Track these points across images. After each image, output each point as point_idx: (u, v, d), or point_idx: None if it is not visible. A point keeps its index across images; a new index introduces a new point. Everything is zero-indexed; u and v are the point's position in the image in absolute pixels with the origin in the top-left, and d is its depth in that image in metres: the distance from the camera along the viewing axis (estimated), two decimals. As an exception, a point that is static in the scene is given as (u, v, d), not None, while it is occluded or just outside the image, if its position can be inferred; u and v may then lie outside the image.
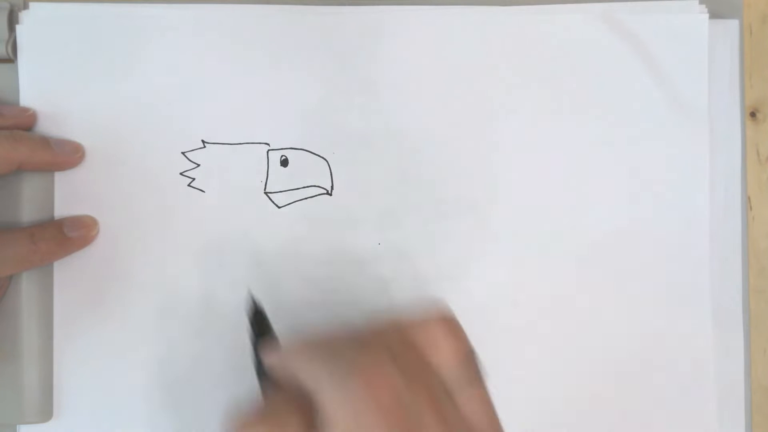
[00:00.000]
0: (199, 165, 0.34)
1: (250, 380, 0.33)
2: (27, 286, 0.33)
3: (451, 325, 0.26)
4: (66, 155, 0.33)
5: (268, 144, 0.34)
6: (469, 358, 0.25)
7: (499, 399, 0.34)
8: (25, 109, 0.33)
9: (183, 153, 0.34)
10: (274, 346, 0.27)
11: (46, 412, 0.33)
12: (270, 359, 0.26)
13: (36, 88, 0.34)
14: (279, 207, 0.34)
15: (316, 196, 0.34)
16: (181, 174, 0.34)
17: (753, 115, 0.36)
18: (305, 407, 0.23)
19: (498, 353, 0.34)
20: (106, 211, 0.34)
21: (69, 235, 0.32)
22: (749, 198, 0.35)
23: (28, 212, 0.33)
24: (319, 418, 0.22)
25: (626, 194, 0.34)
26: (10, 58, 0.34)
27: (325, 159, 0.34)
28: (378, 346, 0.24)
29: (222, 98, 0.34)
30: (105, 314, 0.33)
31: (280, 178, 0.34)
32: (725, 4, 0.35)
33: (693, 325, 0.34)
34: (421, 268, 0.34)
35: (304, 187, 0.34)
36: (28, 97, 0.34)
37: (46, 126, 0.34)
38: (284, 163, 0.34)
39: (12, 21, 0.34)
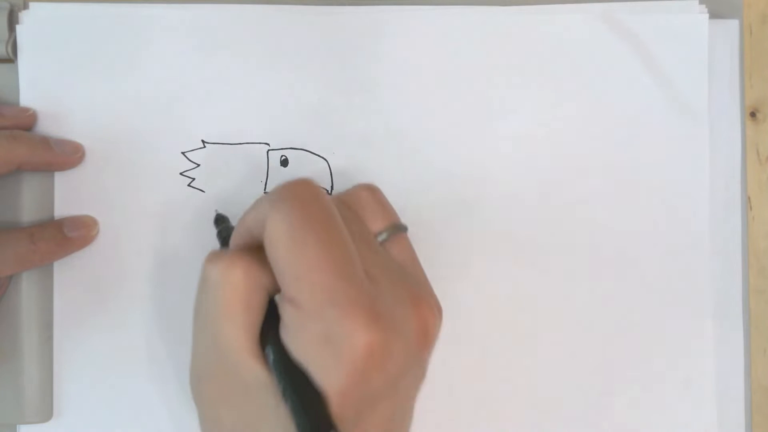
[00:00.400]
0: (199, 165, 0.34)
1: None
2: (27, 286, 0.33)
3: (369, 186, 0.30)
4: (66, 155, 0.33)
5: (268, 144, 0.34)
6: (385, 211, 0.29)
7: (499, 398, 0.34)
8: (25, 109, 0.33)
9: (183, 153, 0.34)
10: None
11: (45, 412, 0.33)
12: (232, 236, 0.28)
13: (36, 88, 0.34)
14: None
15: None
16: (181, 174, 0.34)
17: (753, 115, 0.36)
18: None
19: (498, 353, 0.34)
20: (106, 211, 0.34)
21: (69, 235, 0.32)
22: (749, 198, 0.35)
23: (27, 212, 0.33)
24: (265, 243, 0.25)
25: (626, 194, 0.34)
26: (10, 58, 0.34)
27: (325, 159, 0.34)
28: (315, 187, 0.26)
29: (222, 98, 0.34)
30: (105, 314, 0.33)
31: (280, 178, 0.34)
32: (725, 4, 0.35)
33: (693, 325, 0.34)
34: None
35: (304, 187, 0.34)
36: (28, 97, 0.34)
37: (46, 126, 0.34)
38: (284, 163, 0.34)
39: (12, 21, 0.34)
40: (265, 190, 0.34)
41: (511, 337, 0.34)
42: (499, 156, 0.34)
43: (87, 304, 0.33)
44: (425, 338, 0.26)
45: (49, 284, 0.33)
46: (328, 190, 0.34)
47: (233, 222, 0.32)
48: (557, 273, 0.34)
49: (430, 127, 0.34)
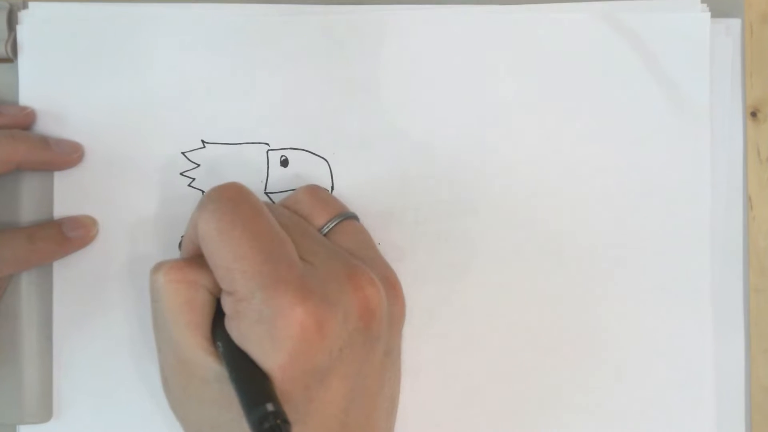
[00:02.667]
0: (199, 165, 0.34)
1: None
2: (26, 287, 0.33)
3: (309, 187, 0.32)
4: (65, 155, 0.33)
5: (267, 144, 0.34)
6: (327, 205, 0.31)
7: (498, 397, 0.34)
8: (24, 108, 0.33)
9: (183, 153, 0.34)
10: None
11: (45, 413, 0.33)
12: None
13: (35, 87, 0.34)
14: (278, 207, 0.34)
15: (316, 196, 0.34)
16: (181, 174, 0.34)
17: (754, 114, 0.36)
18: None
19: (497, 352, 0.34)
20: (105, 211, 0.34)
21: (68, 235, 0.32)
22: (750, 198, 0.35)
23: (26, 212, 0.33)
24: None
25: (627, 194, 0.34)
26: (10, 58, 0.33)
27: (325, 159, 0.34)
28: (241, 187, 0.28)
29: (222, 98, 0.34)
30: (104, 314, 0.33)
31: (280, 178, 0.34)
32: (726, 4, 0.35)
33: (693, 325, 0.34)
34: (420, 268, 0.34)
35: (304, 187, 0.34)
36: (27, 97, 0.34)
37: (45, 125, 0.34)
38: (284, 163, 0.34)
39: (12, 21, 0.34)
40: (265, 190, 0.34)
41: (510, 337, 0.34)
42: (500, 156, 0.34)
43: (86, 304, 0.33)
44: (366, 310, 0.27)
45: (49, 284, 0.33)
46: (328, 191, 0.34)
47: None
48: (557, 272, 0.34)
49: (430, 127, 0.34)
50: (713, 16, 0.34)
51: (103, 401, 0.33)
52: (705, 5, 0.34)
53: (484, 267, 0.34)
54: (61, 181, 0.33)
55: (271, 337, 0.25)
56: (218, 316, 0.27)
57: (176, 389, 0.28)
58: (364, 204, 0.34)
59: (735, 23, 0.35)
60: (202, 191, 0.34)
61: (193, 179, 0.34)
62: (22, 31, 0.34)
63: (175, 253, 0.33)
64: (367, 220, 0.33)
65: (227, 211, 0.26)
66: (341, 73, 0.34)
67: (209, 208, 0.26)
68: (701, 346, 0.34)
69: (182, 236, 0.33)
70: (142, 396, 0.33)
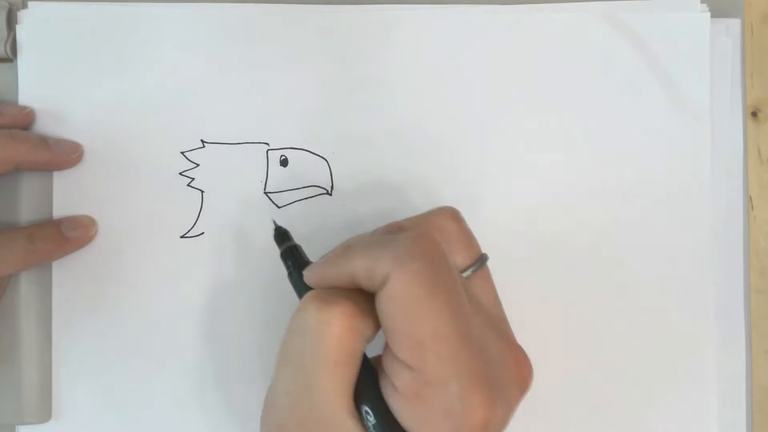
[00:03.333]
0: (198, 165, 0.34)
1: (251, 379, 0.33)
2: (26, 286, 0.33)
3: (453, 213, 0.28)
4: (64, 155, 0.33)
5: (267, 144, 0.34)
6: (470, 242, 0.27)
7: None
8: (23, 108, 0.33)
9: (182, 153, 0.34)
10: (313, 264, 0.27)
11: (44, 413, 0.33)
12: (315, 269, 0.27)
13: (35, 87, 0.34)
14: (279, 207, 0.34)
15: (316, 196, 0.34)
16: (180, 174, 0.34)
17: (754, 114, 0.36)
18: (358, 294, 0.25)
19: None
20: (104, 211, 0.33)
21: (67, 235, 0.32)
22: (750, 198, 0.35)
23: (26, 212, 0.33)
24: (378, 283, 0.24)
25: (627, 194, 0.34)
26: (9, 58, 0.33)
27: (325, 159, 0.34)
28: (441, 246, 0.25)
29: (222, 98, 0.34)
30: (104, 314, 0.33)
31: (280, 178, 0.34)
32: (726, 4, 0.35)
33: (694, 325, 0.34)
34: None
35: (303, 187, 0.34)
36: (27, 97, 0.34)
37: (44, 125, 0.34)
38: (284, 162, 0.34)
39: (11, 20, 0.34)
40: (264, 189, 0.34)
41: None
42: (500, 155, 0.34)
43: (86, 304, 0.33)
44: (523, 388, 0.26)
45: (48, 284, 0.33)
46: (328, 191, 0.34)
47: (314, 241, 0.31)
48: (557, 273, 0.34)
49: (430, 126, 0.34)
50: (713, 16, 0.34)
51: (102, 401, 0.33)
52: (705, 5, 0.34)
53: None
54: (61, 181, 0.33)
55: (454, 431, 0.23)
56: (366, 376, 0.24)
57: None
58: (364, 204, 0.34)
59: (735, 23, 0.35)
60: (202, 191, 0.34)
61: (193, 179, 0.34)
62: (22, 31, 0.34)
63: (175, 253, 0.33)
64: (367, 220, 0.33)
65: (429, 278, 0.23)
66: (341, 73, 0.34)
67: (411, 268, 0.23)
68: (702, 346, 0.34)
69: (276, 223, 0.30)
70: (142, 396, 0.33)
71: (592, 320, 0.34)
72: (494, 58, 0.34)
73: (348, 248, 0.25)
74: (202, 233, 0.34)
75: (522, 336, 0.34)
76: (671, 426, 0.34)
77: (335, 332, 0.24)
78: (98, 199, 0.33)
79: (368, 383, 0.24)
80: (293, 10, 0.34)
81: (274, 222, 0.30)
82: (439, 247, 0.24)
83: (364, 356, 0.25)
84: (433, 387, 0.23)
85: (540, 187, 0.34)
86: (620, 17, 0.34)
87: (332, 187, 0.34)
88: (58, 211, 0.33)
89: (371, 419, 0.23)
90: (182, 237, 0.34)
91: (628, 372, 0.34)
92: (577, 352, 0.34)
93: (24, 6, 0.34)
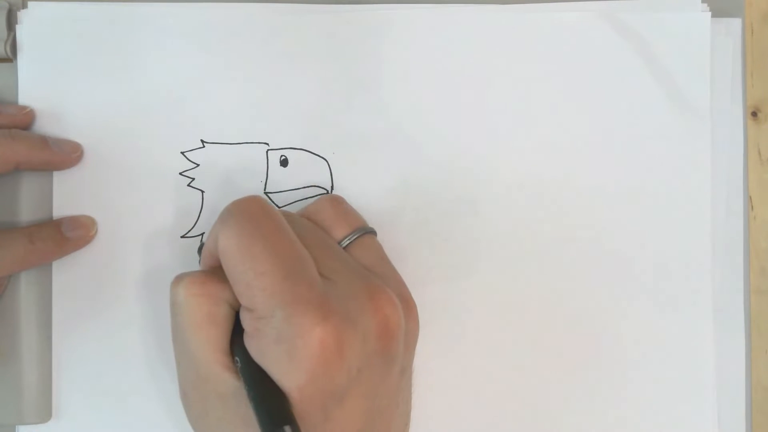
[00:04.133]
0: (198, 165, 0.34)
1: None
2: (26, 286, 0.33)
3: (332, 197, 0.32)
4: (64, 155, 0.33)
5: (267, 144, 0.34)
6: (347, 218, 0.31)
7: (499, 398, 0.34)
8: (23, 108, 0.33)
9: (182, 153, 0.34)
10: None
11: (44, 413, 0.33)
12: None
13: (35, 87, 0.34)
14: (279, 207, 0.34)
15: (315, 196, 0.34)
16: (180, 174, 0.34)
17: (754, 114, 0.36)
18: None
19: (498, 352, 0.34)
20: (104, 211, 0.33)
21: (67, 235, 0.32)
22: (750, 198, 0.35)
23: (26, 212, 0.33)
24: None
25: (627, 194, 0.34)
26: (9, 58, 0.33)
27: (325, 159, 0.34)
28: (261, 201, 0.28)
29: (222, 98, 0.34)
30: (104, 314, 0.33)
31: (279, 178, 0.34)
32: (727, 3, 0.35)
33: (694, 325, 0.34)
34: (420, 269, 0.34)
35: (303, 187, 0.34)
36: (27, 97, 0.34)
37: (44, 125, 0.34)
38: (284, 163, 0.34)
39: (11, 20, 0.34)
40: (264, 190, 0.34)
41: (511, 337, 0.34)
42: (500, 155, 0.34)
43: (86, 304, 0.33)
44: (385, 330, 0.27)
45: (48, 284, 0.33)
46: (328, 191, 0.34)
47: None
48: (557, 273, 0.34)
49: (430, 126, 0.34)
50: (713, 15, 0.34)
51: (102, 401, 0.33)
52: (705, 5, 0.34)
53: (484, 267, 0.34)
54: (61, 181, 0.33)
55: (291, 356, 0.24)
56: (237, 330, 0.27)
57: (195, 405, 0.28)
58: (364, 204, 0.34)
59: (735, 23, 0.35)
60: (202, 191, 0.34)
61: (193, 179, 0.34)
62: (22, 31, 0.34)
63: (175, 253, 0.33)
64: (367, 220, 0.33)
65: (248, 226, 0.26)
66: (341, 73, 0.34)
67: (230, 223, 0.26)
68: (702, 346, 0.34)
69: (201, 242, 0.33)
70: (142, 396, 0.33)
71: (591, 320, 0.34)
72: (494, 58, 0.34)
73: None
74: (203, 233, 0.34)
75: (521, 335, 0.34)
76: (671, 426, 0.34)
77: (189, 299, 0.27)
78: (98, 199, 0.33)
79: (237, 338, 0.27)
80: (293, 10, 0.34)
81: (201, 241, 0.33)
82: (257, 202, 0.27)
83: (237, 317, 0.27)
84: (264, 319, 0.25)
85: (540, 187, 0.34)
86: (620, 17, 0.34)
87: (332, 187, 0.34)
88: (58, 211, 0.33)
89: (239, 365, 0.26)
90: (182, 237, 0.34)
91: (627, 372, 0.34)
92: (575, 351, 0.34)
93: (24, 6, 0.34)
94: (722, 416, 0.34)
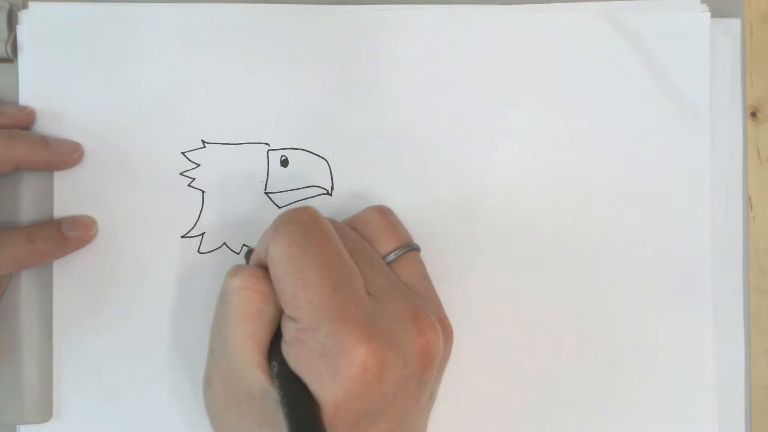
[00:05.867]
0: (199, 165, 0.34)
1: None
2: (26, 286, 0.33)
3: (379, 208, 0.31)
4: (65, 155, 0.33)
5: (268, 144, 0.34)
6: (395, 232, 0.30)
7: (499, 398, 0.34)
8: (23, 108, 0.33)
9: (183, 153, 0.34)
10: None
11: (45, 412, 0.33)
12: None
13: (35, 87, 0.34)
14: (279, 207, 0.34)
15: (316, 196, 0.34)
16: (181, 174, 0.34)
17: (754, 114, 0.36)
18: None
19: (498, 352, 0.34)
20: (105, 211, 0.33)
21: (67, 234, 0.32)
22: (750, 198, 0.35)
23: (26, 212, 0.33)
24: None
25: (626, 194, 0.34)
26: (10, 58, 0.33)
27: (325, 159, 0.34)
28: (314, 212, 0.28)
29: (222, 98, 0.34)
30: (104, 314, 0.33)
31: (280, 178, 0.34)
32: (726, 3, 0.35)
33: (693, 325, 0.34)
34: (421, 268, 0.34)
35: (304, 187, 0.34)
36: (27, 97, 0.34)
37: (45, 125, 0.34)
38: (284, 163, 0.34)
39: (12, 21, 0.34)
40: (265, 190, 0.34)
41: (511, 338, 0.34)
42: (500, 155, 0.34)
43: (86, 303, 0.33)
44: (426, 357, 0.27)
45: (49, 284, 0.33)
46: (328, 191, 0.34)
47: None
48: (557, 273, 0.34)
49: (430, 127, 0.34)
50: (713, 16, 0.34)
51: (103, 401, 0.33)
52: (705, 5, 0.34)
53: (484, 267, 0.34)
54: (61, 180, 0.33)
55: (332, 372, 0.24)
56: (277, 335, 0.27)
57: (219, 396, 0.28)
58: (364, 204, 0.34)
59: (735, 23, 0.35)
60: (202, 191, 0.34)
61: (193, 179, 0.34)
62: (22, 31, 0.34)
63: (175, 253, 0.33)
64: (341, 219, 0.33)
65: (299, 236, 0.26)
66: (341, 73, 0.34)
67: (281, 231, 0.26)
68: (701, 346, 0.34)
69: (244, 245, 0.33)
70: (142, 396, 0.33)
71: (591, 320, 0.34)
72: (494, 58, 0.34)
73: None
74: (203, 233, 0.34)
75: (520, 335, 0.34)
76: (671, 426, 0.34)
77: (243, 291, 0.27)
78: (98, 199, 0.33)
79: (278, 342, 0.27)
80: (293, 10, 0.34)
81: (244, 245, 0.34)
82: (310, 213, 0.27)
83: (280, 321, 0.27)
84: (309, 331, 0.25)
85: (540, 187, 0.34)
86: (620, 17, 0.34)
87: (332, 187, 0.34)
88: (59, 211, 0.33)
89: (275, 369, 0.26)
90: (183, 237, 0.34)
91: (626, 372, 0.34)
92: (575, 351, 0.34)
93: (24, 6, 0.34)
94: (722, 416, 0.34)
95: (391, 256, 0.30)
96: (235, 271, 0.27)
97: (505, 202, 0.34)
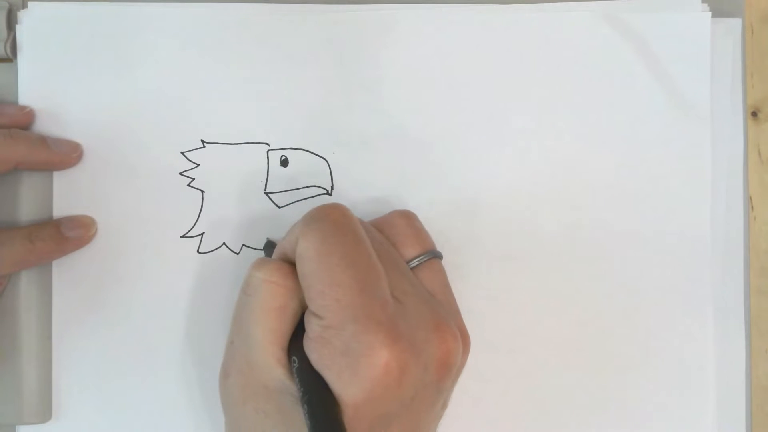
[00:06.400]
0: (198, 165, 0.34)
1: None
2: (26, 286, 0.33)
3: (405, 212, 0.31)
4: (64, 154, 0.33)
5: (268, 144, 0.34)
6: (420, 238, 0.30)
7: (499, 397, 0.34)
8: (23, 108, 0.33)
9: (183, 153, 0.34)
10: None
11: (45, 413, 0.33)
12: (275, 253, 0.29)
13: (35, 87, 0.34)
14: (279, 207, 0.34)
15: (316, 196, 0.34)
16: (180, 174, 0.34)
17: (754, 114, 0.36)
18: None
19: (498, 352, 0.34)
20: (104, 211, 0.33)
21: (67, 234, 0.32)
22: (750, 198, 0.35)
23: (26, 212, 0.33)
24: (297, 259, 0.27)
25: (627, 194, 0.34)
26: (9, 58, 0.33)
27: (325, 159, 0.34)
28: (346, 210, 0.28)
29: (222, 98, 0.34)
30: (104, 314, 0.33)
31: (280, 178, 0.34)
32: (727, 3, 0.35)
33: (694, 325, 0.34)
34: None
35: (304, 187, 0.34)
36: (27, 97, 0.34)
37: (44, 125, 0.33)
38: (284, 163, 0.34)
39: (11, 20, 0.33)
40: (265, 190, 0.34)
41: (511, 336, 0.34)
42: (500, 155, 0.34)
43: (86, 303, 0.33)
44: (445, 365, 0.27)
45: (48, 284, 0.33)
46: (328, 191, 0.34)
47: None
48: (557, 273, 0.34)
49: (430, 127, 0.34)
50: (713, 16, 0.34)
51: (102, 401, 0.33)
52: (705, 5, 0.34)
53: (484, 267, 0.34)
54: (61, 180, 0.33)
55: (354, 372, 0.24)
56: (298, 330, 0.27)
57: (235, 388, 0.28)
58: (364, 204, 0.34)
59: (735, 23, 0.35)
60: (202, 191, 0.34)
61: (193, 179, 0.34)
62: (22, 31, 0.33)
63: (175, 253, 0.33)
64: (367, 221, 0.33)
65: (330, 233, 0.26)
66: (341, 73, 0.34)
67: (312, 227, 0.26)
68: (702, 346, 0.34)
69: (267, 238, 0.33)
70: (142, 396, 0.33)
71: (591, 320, 0.34)
72: (494, 58, 0.34)
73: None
74: (203, 233, 0.34)
75: (521, 335, 0.34)
76: (671, 426, 0.34)
77: (268, 285, 0.27)
78: (98, 199, 0.33)
79: (298, 338, 0.26)
80: (294, 10, 0.34)
81: (267, 239, 0.33)
82: (342, 211, 0.27)
83: (302, 317, 0.27)
84: (333, 329, 0.25)
85: (540, 187, 0.34)
86: (620, 17, 0.34)
87: (332, 187, 0.34)
88: (58, 211, 0.33)
89: (296, 365, 0.26)
90: (182, 237, 0.34)
91: (627, 372, 0.34)
92: (575, 351, 0.34)
93: (24, 6, 0.34)
94: (722, 416, 0.34)
95: (415, 262, 0.30)
96: (261, 264, 0.27)
97: (505, 202, 0.34)
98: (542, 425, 0.34)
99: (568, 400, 0.34)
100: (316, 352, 0.25)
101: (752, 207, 0.35)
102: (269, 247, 0.32)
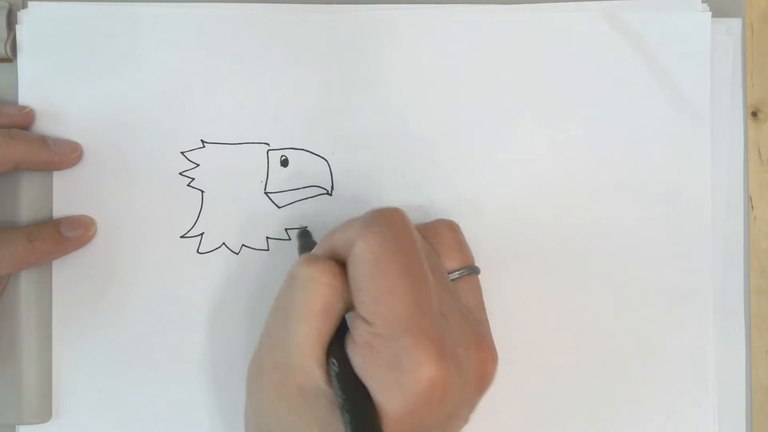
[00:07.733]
0: (198, 165, 0.34)
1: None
2: (25, 286, 0.33)
3: (451, 223, 0.30)
4: (64, 154, 0.33)
5: (267, 144, 0.34)
6: (462, 250, 0.30)
7: (500, 398, 0.34)
8: (23, 108, 0.33)
9: (182, 153, 0.34)
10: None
11: (45, 413, 0.33)
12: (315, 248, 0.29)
13: (35, 87, 0.34)
14: (279, 207, 0.34)
15: (316, 196, 0.34)
16: (180, 174, 0.34)
17: (754, 114, 0.36)
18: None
19: (498, 353, 0.34)
20: (104, 211, 0.33)
21: (66, 234, 0.32)
22: (750, 198, 0.35)
23: (26, 212, 0.33)
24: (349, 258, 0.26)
25: (627, 194, 0.34)
26: (9, 58, 0.33)
27: (325, 159, 0.34)
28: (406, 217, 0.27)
29: (222, 98, 0.34)
30: (104, 314, 0.33)
31: (280, 178, 0.34)
32: (727, 3, 0.35)
33: (694, 325, 0.34)
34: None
35: (304, 187, 0.34)
36: (27, 97, 0.34)
37: (44, 125, 0.33)
38: (284, 163, 0.34)
39: (11, 20, 0.33)
40: (264, 190, 0.34)
41: (512, 338, 0.34)
42: (500, 155, 0.34)
43: (86, 303, 0.33)
44: (482, 383, 0.27)
45: (48, 284, 0.33)
46: (328, 191, 0.34)
47: (316, 238, 0.32)
48: (557, 273, 0.34)
49: (430, 127, 0.34)
50: (714, 16, 0.34)
51: (102, 401, 0.33)
52: (706, 5, 0.34)
53: (484, 267, 0.34)
54: (61, 180, 0.33)
55: (399, 385, 0.24)
56: (337, 333, 0.26)
57: (268, 388, 0.27)
58: (364, 204, 0.34)
59: (735, 23, 0.35)
60: (202, 191, 0.34)
61: (193, 179, 0.34)
62: (22, 31, 0.33)
63: (175, 253, 0.33)
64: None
65: (390, 239, 0.25)
66: (341, 73, 0.34)
67: (374, 230, 0.25)
68: (702, 346, 0.34)
69: (304, 226, 0.33)
70: (141, 396, 0.33)
71: (592, 320, 0.34)
72: (494, 58, 0.34)
73: (333, 228, 0.28)
74: (202, 233, 0.34)
75: (521, 335, 0.34)
76: (671, 426, 0.34)
77: (316, 284, 0.26)
78: (98, 199, 0.33)
79: (339, 340, 0.26)
80: (293, 10, 0.34)
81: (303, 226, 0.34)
82: (402, 217, 0.26)
83: (344, 319, 0.27)
84: (384, 339, 0.24)
85: (540, 187, 0.34)
86: (620, 17, 0.34)
87: (332, 187, 0.34)
88: (58, 211, 0.33)
89: (335, 369, 0.25)
90: (182, 237, 0.34)
91: (627, 372, 0.34)
92: (575, 351, 0.34)
93: (24, 6, 0.34)
94: (722, 416, 0.34)
95: (455, 275, 0.29)
96: (309, 261, 0.27)
97: (505, 203, 0.34)
98: (542, 425, 0.34)
99: (568, 399, 0.34)
100: (360, 358, 0.25)
101: (752, 207, 0.35)
102: (304, 236, 0.32)
